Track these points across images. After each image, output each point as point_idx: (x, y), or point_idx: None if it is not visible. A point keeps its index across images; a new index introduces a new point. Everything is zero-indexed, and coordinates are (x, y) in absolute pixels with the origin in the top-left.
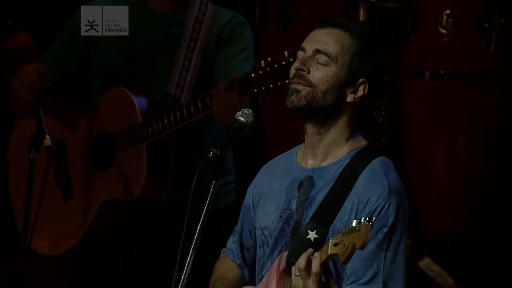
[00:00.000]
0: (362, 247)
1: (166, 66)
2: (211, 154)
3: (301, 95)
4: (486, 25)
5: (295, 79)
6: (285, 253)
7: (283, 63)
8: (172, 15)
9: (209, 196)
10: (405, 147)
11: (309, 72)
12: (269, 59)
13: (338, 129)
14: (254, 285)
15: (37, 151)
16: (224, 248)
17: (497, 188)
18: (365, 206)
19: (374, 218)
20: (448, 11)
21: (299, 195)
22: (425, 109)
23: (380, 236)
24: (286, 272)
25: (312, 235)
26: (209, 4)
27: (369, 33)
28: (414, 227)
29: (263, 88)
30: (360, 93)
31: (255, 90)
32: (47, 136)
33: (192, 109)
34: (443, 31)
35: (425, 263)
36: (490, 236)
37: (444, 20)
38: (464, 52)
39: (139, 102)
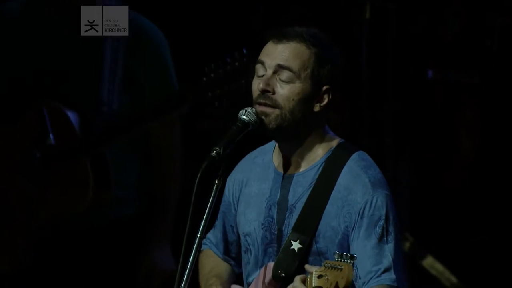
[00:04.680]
0: (346, 287)
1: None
2: (214, 153)
3: (270, 118)
4: None
5: (261, 101)
6: (270, 264)
7: (236, 64)
8: None
9: (211, 195)
10: None
11: (274, 93)
12: (220, 61)
13: (309, 136)
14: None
15: (43, 150)
16: (204, 240)
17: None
18: (353, 207)
19: (356, 256)
20: None
21: (279, 202)
22: None
23: (378, 230)
24: (272, 284)
25: (295, 245)
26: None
27: (324, 36)
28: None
29: (218, 91)
30: (325, 100)
31: (210, 95)
32: (51, 136)
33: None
34: None
35: (429, 262)
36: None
37: None
38: None
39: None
